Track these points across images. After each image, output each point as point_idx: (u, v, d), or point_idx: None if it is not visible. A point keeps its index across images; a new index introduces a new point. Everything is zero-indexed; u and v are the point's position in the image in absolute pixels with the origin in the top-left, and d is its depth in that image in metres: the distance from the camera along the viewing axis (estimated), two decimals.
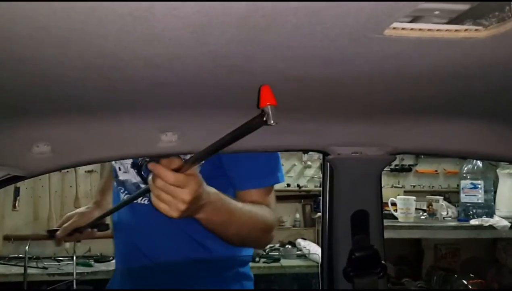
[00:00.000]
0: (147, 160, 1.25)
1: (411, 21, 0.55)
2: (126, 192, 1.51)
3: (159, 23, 0.53)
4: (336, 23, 0.53)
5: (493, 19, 0.55)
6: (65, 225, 1.57)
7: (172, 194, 1.01)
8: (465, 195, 3.43)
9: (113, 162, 1.55)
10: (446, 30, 0.56)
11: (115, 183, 1.57)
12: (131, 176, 1.50)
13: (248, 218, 1.26)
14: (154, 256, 1.48)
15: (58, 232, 1.57)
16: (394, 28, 0.55)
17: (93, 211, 1.62)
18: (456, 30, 0.57)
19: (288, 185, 4.01)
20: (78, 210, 1.63)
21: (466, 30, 0.57)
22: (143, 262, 1.49)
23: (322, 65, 0.69)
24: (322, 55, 0.65)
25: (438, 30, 0.56)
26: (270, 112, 0.70)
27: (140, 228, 1.50)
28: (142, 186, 1.46)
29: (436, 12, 0.53)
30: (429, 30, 0.56)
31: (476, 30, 0.57)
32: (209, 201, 1.11)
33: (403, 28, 0.55)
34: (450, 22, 0.56)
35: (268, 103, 0.70)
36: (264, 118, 0.71)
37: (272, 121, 0.71)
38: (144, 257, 1.48)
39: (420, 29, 0.56)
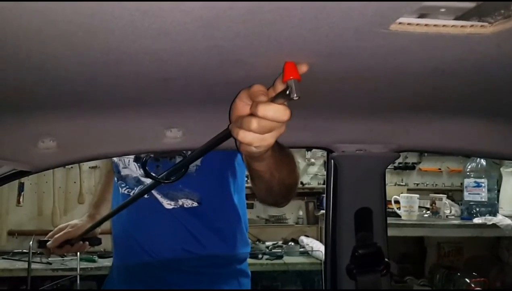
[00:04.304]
0: (151, 155, 1.26)
1: (417, 17, 0.55)
2: (127, 186, 1.52)
3: (166, 18, 0.53)
4: (342, 18, 0.53)
5: (498, 16, 0.55)
6: (57, 236, 1.55)
7: (264, 133, 0.79)
8: (469, 193, 3.42)
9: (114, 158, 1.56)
10: (452, 26, 0.57)
11: (115, 178, 1.57)
12: (132, 171, 1.51)
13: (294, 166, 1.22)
14: (152, 250, 1.49)
15: (49, 243, 1.55)
16: (400, 23, 0.55)
17: (86, 224, 1.60)
18: (461, 26, 0.57)
19: None
20: (71, 222, 1.62)
21: (471, 26, 0.57)
22: (141, 256, 1.50)
23: (327, 60, 0.69)
24: (328, 49, 0.65)
25: (444, 26, 0.56)
26: (293, 86, 0.71)
27: (139, 222, 1.51)
28: (143, 179, 1.47)
29: (442, 10, 0.53)
30: (435, 26, 0.56)
31: (481, 26, 0.57)
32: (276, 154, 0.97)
33: (409, 24, 0.55)
34: (456, 19, 0.56)
35: (291, 77, 0.70)
36: (287, 92, 0.72)
37: (295, 95, 0.72)
38: (142, 251, 1.49)
39: (426, 25, 0.56)
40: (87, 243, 1.62)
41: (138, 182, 1.50)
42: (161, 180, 1.21)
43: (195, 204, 1.47)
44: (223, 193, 1.51)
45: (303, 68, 0.72)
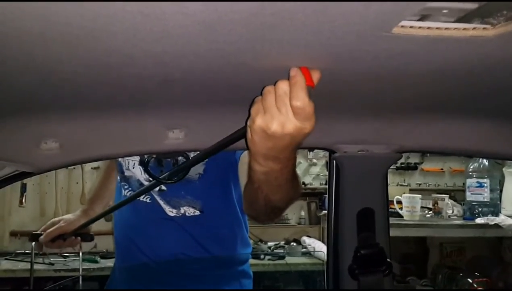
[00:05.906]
0: (154, 156, 1.26)
1: (419, 20, 0.55)
2: (129, 188, 1.52)
3: (168, 21, 0.53)
4: (344, 21, 0.54)
5: (501, 18, 0.55)
6: (49, 230, 1.55)
7: (285, 114, 0.78)
8: (471, 194, 3.41)
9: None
10: (454, 28, 0.57)
11: (119, 178, 1.57)
12: (135, 174, 1.50)
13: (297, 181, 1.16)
14: (153, 255, 1.48)
15: (42, 237, 1.55)
16: (402, 26, 0.55)
17: (80, 219, 1.59)
18: (464, 29, 0.57)
19: None
20: (64, 217, 1.61)
21: (474, 28, 0.57)
22: (141, 259, 1.49)
23: (330, 62, 0.69)
24: (330, 53, 0.65)
25: (446, 28, 0.56)
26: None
27: (140, 226, 1.50)
28: (146, 183, 1.47)
29: (445, 11, 0.53)
30: (437, 28, 0.56)
31: (484, 28, 0.57)
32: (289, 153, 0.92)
33: (411, 27, 0.56)
34: (458, 21, 0.56)
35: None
36: None
37: None
38: (143, 256, 1.49)
39: (428, 28, 0.56)
40: (79, 238, 1.61)
41: (141, 185, 1.49)
42: (163, 181, 1.21)
43: (197, 213, 1.46)
44: (225, 201, 1.49)
45: (316, 75, 0.73)
